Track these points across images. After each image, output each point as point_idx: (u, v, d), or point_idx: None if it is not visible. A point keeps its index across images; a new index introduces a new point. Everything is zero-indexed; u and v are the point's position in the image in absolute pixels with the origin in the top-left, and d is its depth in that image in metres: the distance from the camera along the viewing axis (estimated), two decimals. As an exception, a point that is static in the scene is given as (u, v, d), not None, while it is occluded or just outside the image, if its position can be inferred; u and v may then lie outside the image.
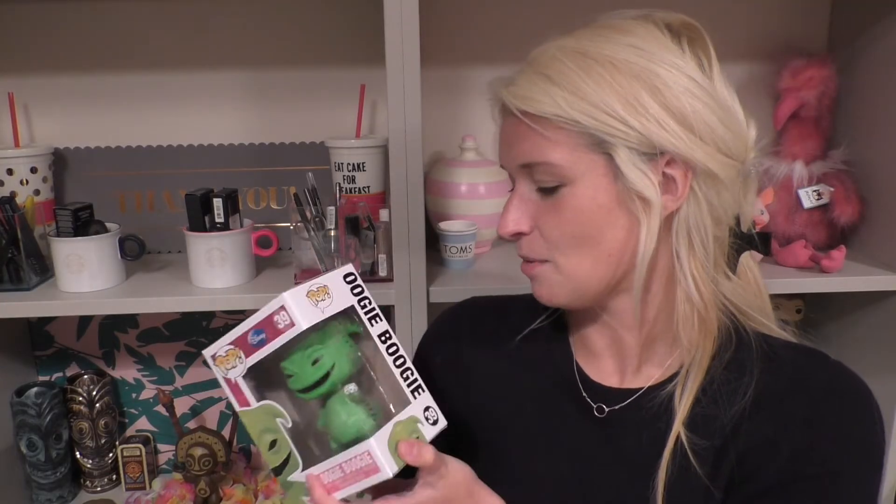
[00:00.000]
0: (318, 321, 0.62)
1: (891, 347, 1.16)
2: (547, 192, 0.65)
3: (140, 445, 1.38)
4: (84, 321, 1.39)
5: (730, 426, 0.65)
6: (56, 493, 1.33)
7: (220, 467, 1.31)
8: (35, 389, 1.29)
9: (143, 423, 1.44)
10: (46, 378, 1.41)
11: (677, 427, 0.65)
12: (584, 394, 0.73)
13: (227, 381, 0.65)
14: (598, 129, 0.61)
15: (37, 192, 1.23)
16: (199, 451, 1.29)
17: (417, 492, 0.63)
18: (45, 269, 1.17)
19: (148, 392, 1.42)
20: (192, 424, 1.43)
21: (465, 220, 1.22)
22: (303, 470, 0.64)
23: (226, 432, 1.35)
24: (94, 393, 1.35)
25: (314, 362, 0.63)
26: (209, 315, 1.39)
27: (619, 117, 0.60)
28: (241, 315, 1.38)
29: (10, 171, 1.21)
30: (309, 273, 1.13)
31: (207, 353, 0.66)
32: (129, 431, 1.44)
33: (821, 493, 0.62)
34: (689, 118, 0.61)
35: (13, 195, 1.19)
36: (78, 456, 1.38)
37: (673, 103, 0.61)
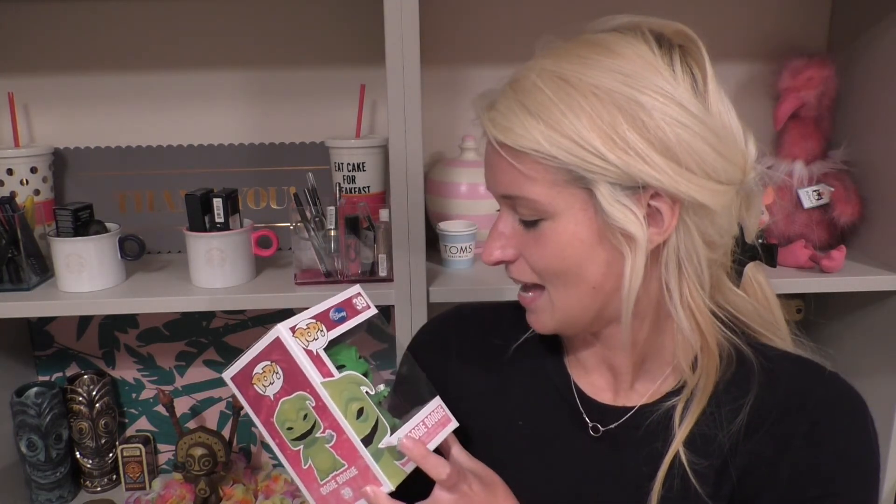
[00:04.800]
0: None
1: (891, 347, 1.16)
2: (528, 224, 0.63)
3: (140, 445, 1.38)
4: (84, 321, 1.39)
5: (728, 444, 0.64)
6: (56, 493, 1.33)
7: (220, 467, 1.31)
8: (35, 389, 1.29)
9: (143, 423, 1.44)
10: (46, 378, 1.41)
11: (675, 447, 0.64)
12: (581, 409, 0.72)
13: (309, 353, 0.64)
14: (577, 166, 0.58)
15: (37, 192, 1.23)
16: (199, 451, 1.29)
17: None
18: (45, 269, 1.17)
19: (148, 392, 1.42)
20: (192, 424, 1.43)
21: (465, 220, 1.22)
22: (391, 434, 0.65)
23: (226, 432, 1.35)
24: (94, 393, 1.35)
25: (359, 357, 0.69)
26: (209, 315, 1.39)
27: (597, 153, 0.58)
28: (242, 315, 1.38)
29: (10, 171, 1.21)
30: (309, 273, 1.13)
31: (285, 325, 0.64)
32: (129, 431, 1.44)
33: None
34: (675, 149, 0.58)
35: (13, 195, 1.19)
36: (78, 456, 1.38)
37: (657, 135, 0.58)
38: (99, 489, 1.39)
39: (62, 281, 1.12)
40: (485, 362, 0.78)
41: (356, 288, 0.72)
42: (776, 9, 1.28)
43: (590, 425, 0.71)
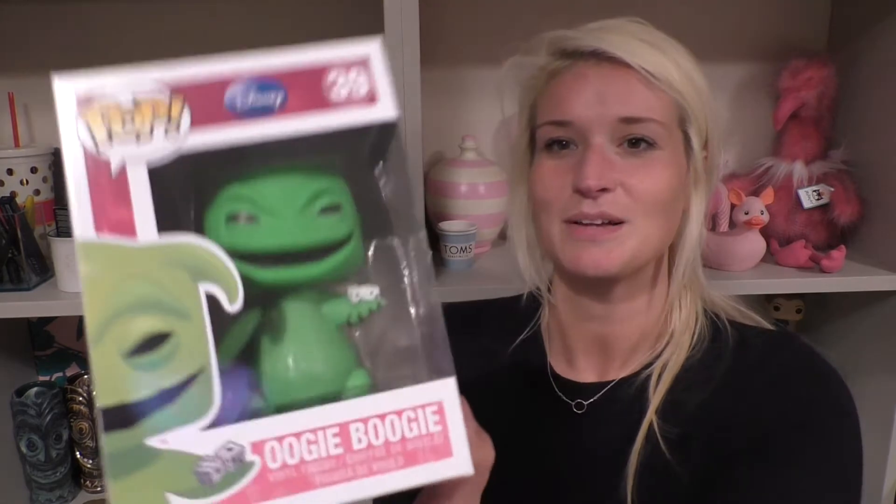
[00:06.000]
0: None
1: (891, 347, 1.16)
2: (636, 151, 0.63)
3: (140, 445, 1.38)
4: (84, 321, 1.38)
5: (697, 410, 0.65)
6: (56, 493, 1.33)
7: (220, 467, 1.31)
8: (35, 389, 1.29)
9: (143, 423, 1.44)
10: (46, 378, 1.41)
11: (650, 416, 0.65)
12: (559, 392, 0.73)
13: (94, 161, 0.32)
14: (692, 107, 0.64)
15: (37, 192, 1.23)
16: (199, 451, 1.29)
17: None
18: (45, 269, 1.17)
19: (148, 392, 1.42)
20: (192, 424, 1.43)
21: (465, 220, 1.22)
22: (211, 426, 0.31)
23: (226, 432, 1.35)
24: (95, 393, 1.34)
25: (325, 209, 0.34)
26: (209, 315, 1.38)
27: (703, 101, 0.65)
28: (241, 315, 1.38)
29: (10, 171, 1.20)
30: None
31: (74, 85, 0.33)
32: (129, 431, 1.44)
33: (796, 453, 0.60)
34: (721, 118, 0.68)
35: (13, 195, 1.19)
36: (78, 456, 1.38)
37: (716, 105, 0.67)
38: (99, 489, 1.39)
39: (62, 281, 1.12)
40: (470, 360, 0.78)
41: (371, 46, 0.35)
42: (776, 9, 1.28)
43: (572, 404, 0.72)
